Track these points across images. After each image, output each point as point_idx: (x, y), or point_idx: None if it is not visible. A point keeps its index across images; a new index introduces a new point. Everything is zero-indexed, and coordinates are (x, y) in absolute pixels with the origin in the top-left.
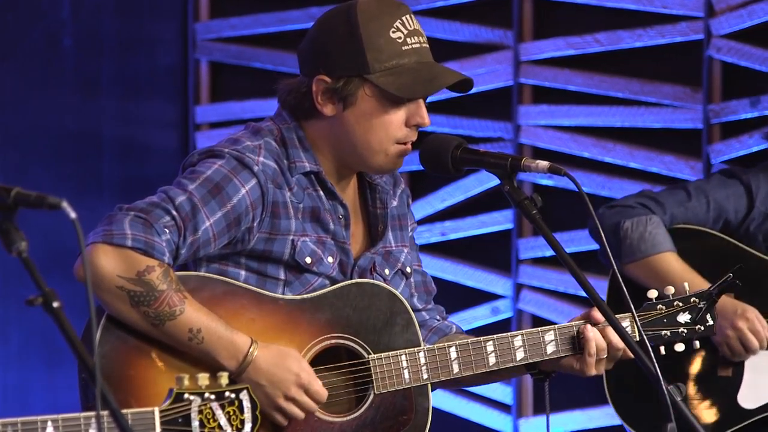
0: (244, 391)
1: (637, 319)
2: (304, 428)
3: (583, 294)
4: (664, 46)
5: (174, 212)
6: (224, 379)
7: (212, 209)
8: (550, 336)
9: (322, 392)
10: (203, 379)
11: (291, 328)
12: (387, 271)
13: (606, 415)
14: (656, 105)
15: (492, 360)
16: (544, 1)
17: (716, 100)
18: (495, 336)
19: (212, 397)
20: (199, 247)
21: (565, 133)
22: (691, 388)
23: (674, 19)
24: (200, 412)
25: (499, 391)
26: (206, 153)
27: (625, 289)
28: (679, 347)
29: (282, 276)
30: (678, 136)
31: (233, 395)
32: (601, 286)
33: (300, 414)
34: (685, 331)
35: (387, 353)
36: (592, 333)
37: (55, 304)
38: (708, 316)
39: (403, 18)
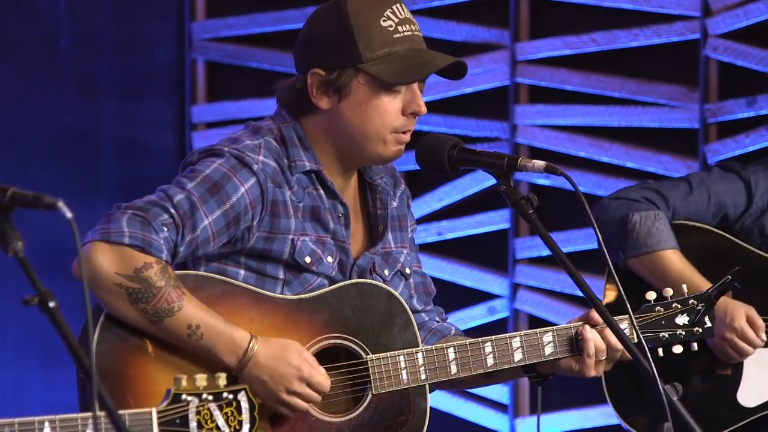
0: (242, 392)
1: (634, 321)
2: (301, 428)
3: (580, 294)
4: (660, 45)
5: (172, 210)
6: (222, 379)
7: (211, 208)
8: (548, 337)
9: (326, 382)
10: (201, 379)
11: (290, 328)
12: (386, 272)
13: (603, 414)
14: (653, 105)
15: (490, 361)
16: (541, 0)
17: (713, 99)
18: (493, 337)
19: (210, 397)
20: (198, 246)
21: (562, 133)
22: (691, 387)
23: (671, 19)
24: (198, 413)
25: (496, 391)
26: (206, 152)
27: (622, 290)
28: (677, 349)
29: (281, 275)
30: (674, 136)
31: (231, 396)
32: (597, 286)
33: (304, 406)
34: (683, 333)
35: (385, 354)
36: (590, 334)
37: (51, 304)
38: (706, 318)
39: (394, 7)
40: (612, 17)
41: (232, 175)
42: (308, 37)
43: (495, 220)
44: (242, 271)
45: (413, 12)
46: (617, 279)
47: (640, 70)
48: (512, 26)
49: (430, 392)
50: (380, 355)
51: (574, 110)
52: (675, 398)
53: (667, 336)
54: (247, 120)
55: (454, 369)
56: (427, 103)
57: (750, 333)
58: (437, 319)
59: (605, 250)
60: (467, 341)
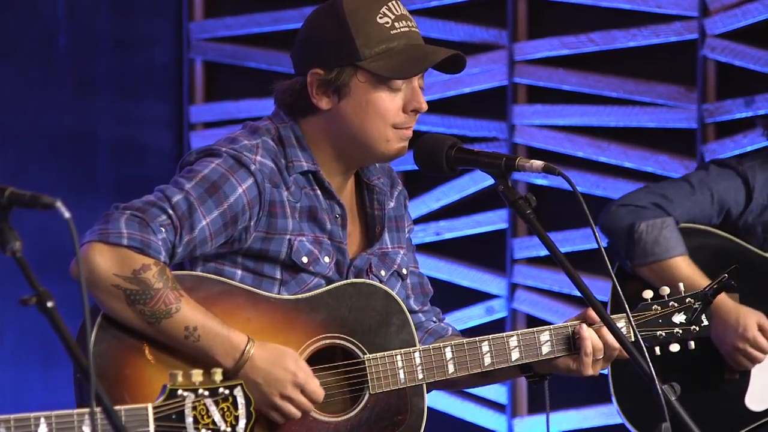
0: (238, 387)
1: (632, 319)
2: (299, 428)
3: (578, 294)
4: (658, 45)
5: (170, 211)
6: (218, 375)
7: (209, 208)
8: (545, 336)
9: (319, 392)
10: (197, 375)
11: (287, 328)
12: (383, 273)
13: (601, 414)
14: (651, 104)
15: (487, 360)
16: (539, 0)
17: (711, 99)
18: (490, 336)
19: (206, 393)
20: (196, 246)
21: (560, 133)
22: (699, 391)
23: (669, 19)
24: (194, 408)
25: (494, 391)
26: (204, 152)
27: (619, 289)
28: (675, 348)
29: (278, 275)
30: (672, 136)
31: (227, 391)
32: (595, 286)
33: (296, 413)
34: (681, 331)
35: (382, 353)
36: (588, 333)
37: (49, 304)
38: (703, 317)
39: (389, 4)
40: (610, 17)
41: (230, 175)
42: (306, 37)
43: (493, 220)
44: (239, 271)
45: (411, 12)
46: (614, 278)
47: (638, 70)
48: (510, 26)
49: (427, 392)
50: (377, 354)
51: (572, 110)
52: (673, 398)
53: (664, 334)
54: (246, 120)
55: (451, 368)
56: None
57: (762, 341)
58: (434, 319)
59: (603, 250)
60: (464, 341)
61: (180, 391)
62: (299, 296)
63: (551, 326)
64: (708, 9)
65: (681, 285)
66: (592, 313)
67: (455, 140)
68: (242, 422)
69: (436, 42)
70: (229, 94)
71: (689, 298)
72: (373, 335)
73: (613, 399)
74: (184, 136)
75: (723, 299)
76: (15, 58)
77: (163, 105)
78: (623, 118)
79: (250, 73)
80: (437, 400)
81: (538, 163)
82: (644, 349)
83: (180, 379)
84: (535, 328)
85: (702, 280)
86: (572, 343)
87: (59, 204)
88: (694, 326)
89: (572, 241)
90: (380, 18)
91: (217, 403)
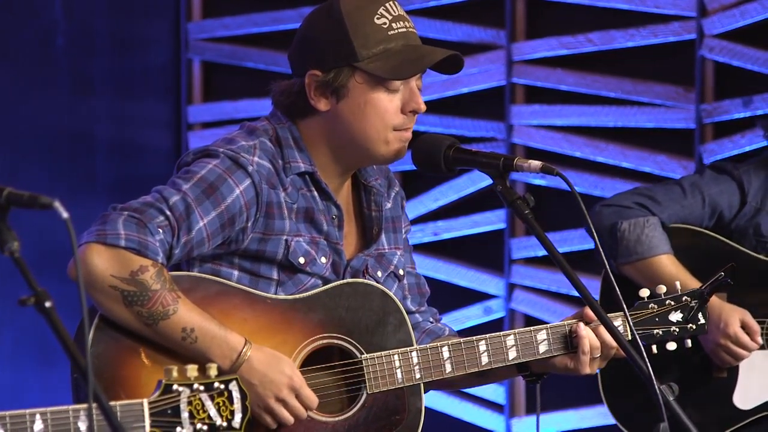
0: (233, 382)
1: (629, 318)
2: (296, 428)
3: (576, 294)
4: (656, 45)
5: (168, 212)
6: (213, 370)
7: (206, 209)
8: (542, 335)
9: (313, 398)
10: (192, 370)
11: (284, 328)
12: (379, 273)
13: (599, 414)
14: (649, 105)
15: (484, 359)
16: (537, 0)
17: (709, 99)
18: (487, 335)
19: (201, 388)
20: (193, 247)
21: (558, 133)
22: (687, 390)
23: (667, 19)
24: (189, 403)
25: (492, 391)
26: (201, 152)
27: (617, 288)
28: (671, 346)
29: (275, 276)
30: (670, 136)
31: (222, 386)
32: (593, 286)
33: (289, 417)
34: (677, 330)
35: (379, 353)
36: (585, 331)
37: (48, 304)
38: (700, 315)
39: (387, 5)
40: (608, 17)
41: (228, 176)
42: (303, 39)
43: (491, 220)
44: (236, 272)
45: (409, 12)
46: (612, 277)
47: (636, 70)
48: (508, 26)
49: (424, 392)
50: (375, 354)
51: (570, 110)
52: (671, 398)
53: (660, 333)
54: (244, 120)
55: (448, 368)
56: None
57: (744, 338)
58: (431, 319)
59: (600, 249)
60: (461, 340)
61: (175, 386)
62: (296, 296)
63: (548, 325)
64: (706, 9)
65: (677, 283)
66: (589, 312)
67: (453, 140)
68: (238, 416)
69: (435, 42)
70: (227, 94)
71: (686, 297)
72: (370, 335)
73: (604, 399)
74: (182, 136)
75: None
76: (13, 59)
77: (161, 105)
78: (621, 119)
79: (248, 73)
80: (435, 401)
81: (536, 164)
82: (642, 347)
83: (175, 374)
84: (531, 327)
85: (687, 279)
86: (569, 342)
87: (57, 204)
88: (690, 324)
89: (570, 241)
90: (378, 19)
91: (212, 398)
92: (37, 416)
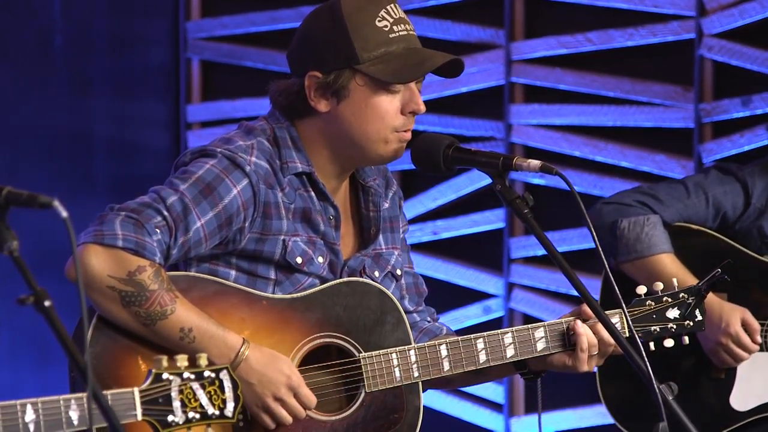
0: (224, 371)
1: (627, 315)
2: (295, 427)
3: (575, 293)
4: (655, 45)
5: (165, 212)
6: (203, 359)
7: (204, 209)
8: (540, 333)
9: (312, 398)
10: (182, 360)
11: (282, 328)
12: (377, 273)
13: (597, 414)
14: (647, 104)
15: (482, 357)
16: (536, 0)
17: (708, 99)
18: (485, 333)
19: (192, 376)
20: (191, 248)
21: (557, 132)
22: (685, 391)
23: (666, 18)
24: (181, 392)
25: (491, 390)
26: (198, 152)
27: (615, 285)
28: (669, 343)
29: (272, 276)
30: (669, 135)
31: (213, 375)
32: (592, 285)
33: (287, 417)
34: (675, 326)
35: (378, 351)
36: (582, 329)
37: (47, 303)
38: (697, 312)
39: (388, 7)
40: (607, 17)
41: (225, 176)
42: (303, 39)
43: (490, 220)
44: (233, 272)
45: (409, 11)
46: (611, 276)
47: (635, 69)
48: (507, 26)
49: (423, 391)
50: (373, 353)
51: (569, 110)
52: (670, 397)
53: (658, 330)
54: (242, 119)
55: (446, 366)
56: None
57: (745, 338)
58: (428, 319)
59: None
60: (459, 338)
61: (165, 375)
62: (294, 295)
63: (546, 323)
64: (705, 8)
65: (675, 280)
66: (586, 309)
67: (452, 140)
68: (230, 405)
69: (434, 41)
70: (225, 94)
71: (683, 293)
72: (368, 334)
73: (602, 398)
74: (180, 136)
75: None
76: (12, 58)
77: (160, 104)
78: (620, 118)
79: (246, 73)
80: (434, 400)
81: (535, 163)
82: (640, 344)
83: (165, 363)
84: (529, 325)
85: (687, 278)
86: (567, 340)
87: (56, 203)
88: (688, 321)
89: (569, 240)
90: (379, 21)
91: (203, 387)
92: (28, 406)
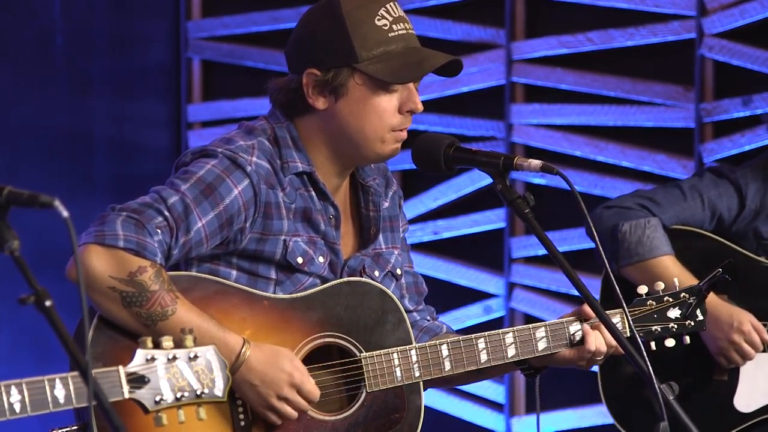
0: (211, 351)
1: (628, 314)
2: (296, 427)
3: (576, 293)
4: (656, 45)
5: (166, 213)
6: (189, 341)
7: (205, 210)
8: (540, 333)
9: (315, 391)
10: (167, 340)
11: (282, 327)
12: (376, 273)
13: (598, 414)
14: (648, 104)
15: (483, 357)
16: (537, 0)
17: (708, 99)
18: (486, 333)
19: (177, 356)
20: (191, 248)
21: (558, 132)
22: (688, 393)
23: (666, 18)
24: (167, 371)
25: (492, 390)
26: (199, 153)
27: (617, 286)
28: (670, 342)
29: (273, 276)
30: (670, 135)
31: (199, 354)
32: (593, 285)
33: (293, 413)
34: (676, 326)
35: (379, 351)
36: (592, 331)
37: (48, 303)
38: (698, 311)
39: (387, 6)
40: (608, 16)
41: (226, 176)
42: (302, 36)
43: (491, 220)
44: (234, 272)
45: (409, 11)
46: (611, 274)
47: (635, 69)
48: (508, 25)
49: (423, 390)
50: (374, 352)
51: (570, 109)
52: (671, 397)
53: (659, 329)
54: (243, 119)
55: (447, 366)
56: (423, 103)
57: (755, 336)
58: (428, 318)
59: (600, 249)
60: (460, 338)
61: (150, 354)
62: (295, 295)
63: (546, 322)
64: (706, 8)
65: (676, 280)
66: (587, 309)
67: (453, 139)
68: (220, 383)
69: (434, 41)
70: (226, 93)
71: (684, 293)
72: (369, 333)
73: (603, 399)
74: (181, 135)
75: (712, 298)
76: (12, 58)
77: (160, 104)
78: (621, 118)
79: (247, 72)
80: (435, 400)
81: (536, 163)
82: (641, 345)
83: (149, 344)
84: (530, 325)
85: (689, 279)
86: (568, 339)
87: (57, 203)
88: (689, 321)
89: (570, 240)
90: (378, 20)
91: (191, 366)
92: (13, 387)
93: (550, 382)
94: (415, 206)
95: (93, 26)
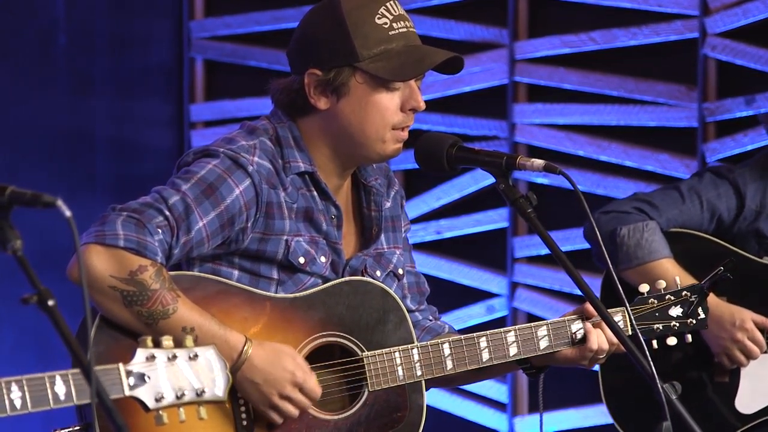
0: (211, 350)
1: (630, 313)
2: (299, 426)
3: (578, 292)
4: (659, 44)
5: (167, 212)
6: (189, 341)
7: (206, 210)
8: (542, 331)
9: (317, 390)
10: (167, 339)
11: (284, 327)
12: (378, 273)
13: (601, 413)
14: (651, 103)
15: (485, 356)
16: None
17: (711, 98)
18: (488, 332)
19: (178, 354)
20: (192, 248)
21: (560, 132)
22: (689, 395)
23: (669, 18)
24: (168, 369)
25: (495, 390)
26: (201, 152)
27: (618, 284)
28: (671, 341)
29: (275, 275)
30: (673, 135)
31: (199, 353)
32: (596, 285)
33: (295, 412)
34: (677, 324)
35: (381, 350)
36: (595, 333)
37: (51, 303)
38: (700, 310)
39: (387, 4)
40: (610, 16)
41: (227, 176)
42: (303, 37)
43: (494, 219)
44: (236, 272)
45: (411, 11)
46: (613, 272)
47: (638, 68)
48: (511, 25)
49: (426, 390)
50: (375, 352)
51: (573, 109)
52: (674, 397)
53: (660, 328)
54: (246, 119)
55: (449, 364)
56: (426, 102)
57: (758, 335)
58: (430, 317)
59: (604, 251)
60: (462, 337)
61: (151, 352)
62: (296, 295)
63: (548, 321)
64: (708, 8)
65: (677, 278)
66: (589, 307)
67: (456, 139)
68: (221, 383)
69: (437, 41)
70: (229, 93)
71: (685, 291)
72: (370, 333)
73: (603, 399)
74: (184, 135)
75: (712, 298)
76: (13, 58)
77: (163, 104)
78: (624, 117)
79: (250, 72)
80: (438, 399)
81: (538, 162)
82: (643, 343)
83: (149, 342)
84: (532, 323)
85: (689, 281)
86: (570, 338)
87: (60, 203)
88: (690, 319)
89: (573, 239)
90: (378, 19)
91: (191, 366)
92: (13, 384)
93: (553, 381)
94: (418, 206)
95: (95, 26)
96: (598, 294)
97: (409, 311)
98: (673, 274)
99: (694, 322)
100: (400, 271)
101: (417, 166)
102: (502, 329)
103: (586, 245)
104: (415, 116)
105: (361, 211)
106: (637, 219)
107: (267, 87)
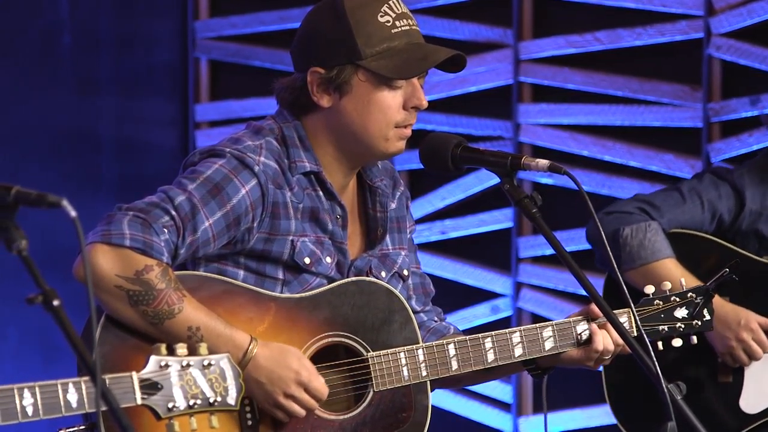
0: (225, 360)
1: (635, 314)
2: (303, 426)
3: (583, 292)
4: (663, 44)
5: (173, 212)
6: (203, 349)
7: (212, 209)
8: (548, 332)
9: (323, 389)
10: (181, 347)
11: (289, 327)
12: (383, 274)
13: (605, 413)
14: (656, 103)
15: (490, 357)
16: None
17: (716, 98)
18: (493, 333)
19: (192, 363)
20: (198, 247)
21: (565, 132)
22: (693, 395)
23: (674, 18)
24: (181, 378)
25: (499, 390)
26: (207, 152)
27: (623, 284)
28: (677, 342)
29: (280, 276)
30: (678, 135)
31: (213, 362)
32: (600, 285)
33: (300, 412)
34: (683, 326)
35: (386, 351)
36: (601, 334)
37: (56, 303)
38: (705, 311)
39: (390, 2)
40: (615, 16)
41: (233, 176)
42: (306, 35)
43: (498, 219)
44: (242, 272)
45: (416, 10)
46: (619, 274)
47: (643, 69)
48: (515, 25)
49: (431, 391)
50: (381, 352)
51: (577, 109)
52: (679, 397)
53: (666, 329)
54: (251, 119)
55: (454, 365)
56: (430, 102)
57: (763, 335)
58: (435, 318)
59: (609, 252)
60: (467, 337)
61: (164, 361)
62: (301, 295)
63: (554, 322)
64: (713, 8)
65: (683, 280)
66: (594, 308)
67: (460, 139)
68: (233, 392)
69: (441, 41)
70: (234, 93)
71: (691, 293)
72: (375, 333)
73: (607, 400)
74: (189, 135)
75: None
76: (18, 57)
77: (168, 104)
78: (628, 117)
79: (254, 72)
80: (442, 399)
81: (543, 162)
82: (648, 344)
83: (164, 350)
84: (537, 324)
85: (693, 282)
86: (575, 339)
87: (65, 203)
88: (696, 320)
89: (577, 240)
90: (381, 17)
91: (204, 374)
92: (26, 390)
93: (558, 381)
94: (423, 206)
95: (100, 26)
96: (602, 295)
97: (414, 312)
98: (676, 274)
99: (700, 323)
100: (405, 272)
101: (422, 166)
102: (507, 330)
103: (590, 246)
104: (420, 116)
105: (366, 211)
106: (639, 219)
107: (271, 87)
